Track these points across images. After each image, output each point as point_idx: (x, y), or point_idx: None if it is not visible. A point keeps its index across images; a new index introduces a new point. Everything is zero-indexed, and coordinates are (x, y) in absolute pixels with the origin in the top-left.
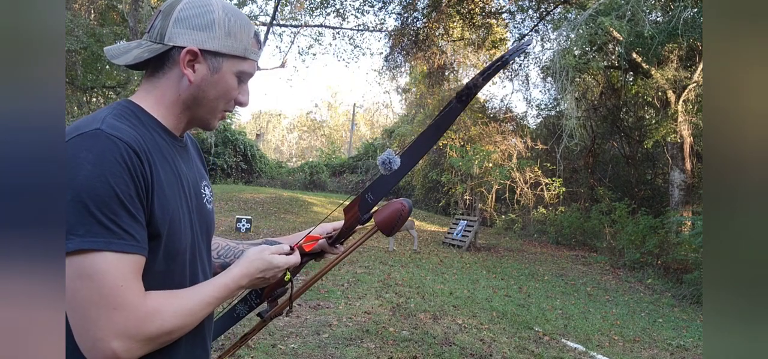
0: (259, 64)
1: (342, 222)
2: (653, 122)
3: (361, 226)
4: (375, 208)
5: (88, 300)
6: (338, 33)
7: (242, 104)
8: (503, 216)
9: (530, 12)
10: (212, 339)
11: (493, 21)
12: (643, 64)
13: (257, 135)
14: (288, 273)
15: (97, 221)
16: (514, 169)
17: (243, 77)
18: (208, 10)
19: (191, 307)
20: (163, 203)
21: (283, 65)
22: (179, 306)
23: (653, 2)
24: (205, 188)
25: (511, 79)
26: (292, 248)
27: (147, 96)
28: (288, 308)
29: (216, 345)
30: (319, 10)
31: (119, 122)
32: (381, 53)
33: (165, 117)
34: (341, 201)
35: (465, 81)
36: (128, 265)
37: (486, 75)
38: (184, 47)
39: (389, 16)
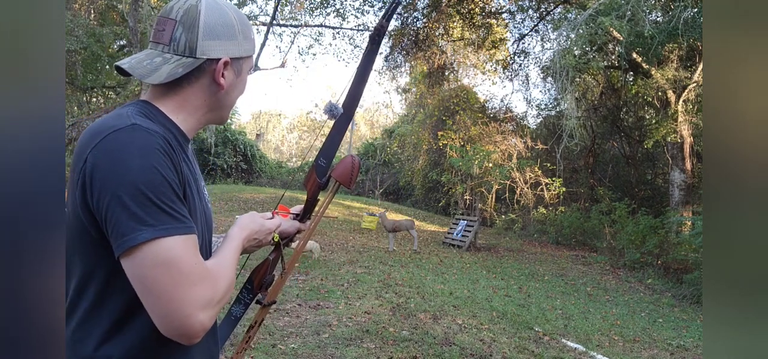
0: (258, 63)
1: (300, 206)
2: (653, 122)
3: (324, 190)
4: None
5: (172, 283)
6: (338, 33)
7: (243, 92)
8: (503, 216)
9: (530, 12)
10: (219, 348)
11: (493, 21)
12: (643, 64)
13: (257, 135)
14: (276, 235)
15: (160, 209)
16: (514, 169)
17: (250, 70)
18: (226, 16)
19: (230, 270)
20: (187, 196)
21: (283, 65)
22: (225, 270)
23: (653, 2)
24: (204, 188)
25: (511, 79)
26: (272, 215)
27: (164, 99)
28: (283, 271)
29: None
30: (319, 10)
31: (146, 120)
32: (381, 53)
33: (184, 120)
34: (341, 201)
35: (465, 81)
36: (192, 244)
37: (387, 16)
38: (219, 59)
39: None
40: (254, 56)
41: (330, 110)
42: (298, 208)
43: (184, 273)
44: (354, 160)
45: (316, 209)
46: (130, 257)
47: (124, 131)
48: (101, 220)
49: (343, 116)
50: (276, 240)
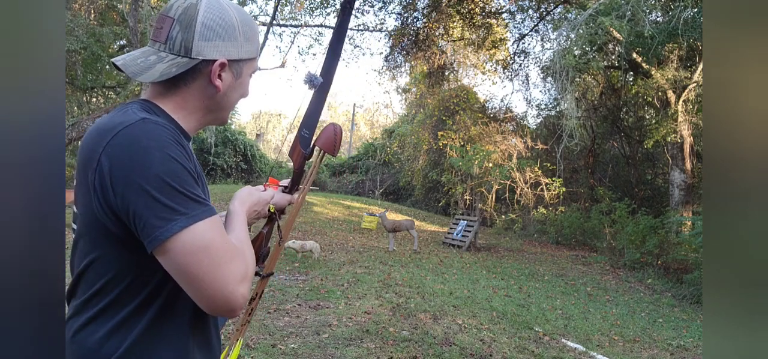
0: (258, 63)
1: (286, 182)
2: (653, 122)
3: (309, 159)
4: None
5: (212, 265)
6: None
7: (246, 96)
8: (503, 216)
9: (530, 12)
10: (222, 324)
11: (493, 21)
12: (643, 64)
13: (257, 135)
14: (272, 206)
15: (187, 197)
16: (514, 169)
17: (253, 73)
18: (226, 16)
19: (249, 243)
20: (201, 185)
21: (283, 65)
22: (247, 244)
23: (653, 2)
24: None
25: (511, 79)
26: (264, 187)
27: (164, 99)
28: (280, 241)
29: (225, 330)
30: (319, 10)
31: (152, 115)
32: (381, 53)
33: (184, 119)
34: (341, 201)
35: (465, 81)
36: (220, 224)
37: None
38: (215, 60)
39: (389, 16)
40: (258, 59)
41: (310, 79)
42: (286, 181)
43: (220, 254)
44: (336, 127)
45: (305, 179)
46: (168, 248)
47: (135, 126)
48: (128, 218)
49: (322, 86)
50: (272, 210)
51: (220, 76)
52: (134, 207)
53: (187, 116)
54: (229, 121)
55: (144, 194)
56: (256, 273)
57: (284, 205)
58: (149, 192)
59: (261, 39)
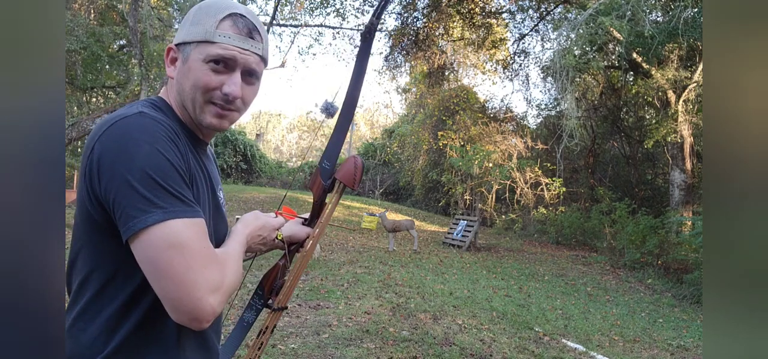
0: (256, 52)
1: (306, 214)
2: (653, 122)
3: (329, 192)
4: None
5: (182, 265)
6: (338, 33)
7: (229, 95)
8: (503, 216)
9: (530, 12)
10: (231, 354)
11: (493, 21)
12: (643, 64)
13: (257, 135)
14: (280, 233)
15: (168, 192)
16: (514, 169)
17: (219, 62)
18: (192, 8)
19: (237, 260)
20: (193, 187)
21: (283, 65)
22: (232, 259)
23: (653, 2)
24: (220, 191)
25: (511, 79)
26: (276, 215)
27: (167, 95)
28: (288, 272)
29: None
30: (319, 10)
31: (156, 111)
32: (381, 53)
33: (182, 115)
34: (341, 201)
35: (465, 81)
36: (202, 228)
37: (378, 13)
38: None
39: (389, 16)
40: (216, 45)
41: (326, 108)
42: (306, 214)
43: (196, 256)
44: (356, 161)
45: (325, 212)
46: (140, 239)
47: (130, 118)
48: (109, 206)
49: (344, 117)
50: (280, 238)
51: (174, 63)
52: (114, 196)
53: (178, 111)
54: (216, 124)
55: (125, 184)
56: (267, 306)
57: (303, 237)
58: (130, 182)
59: (249, 25)
